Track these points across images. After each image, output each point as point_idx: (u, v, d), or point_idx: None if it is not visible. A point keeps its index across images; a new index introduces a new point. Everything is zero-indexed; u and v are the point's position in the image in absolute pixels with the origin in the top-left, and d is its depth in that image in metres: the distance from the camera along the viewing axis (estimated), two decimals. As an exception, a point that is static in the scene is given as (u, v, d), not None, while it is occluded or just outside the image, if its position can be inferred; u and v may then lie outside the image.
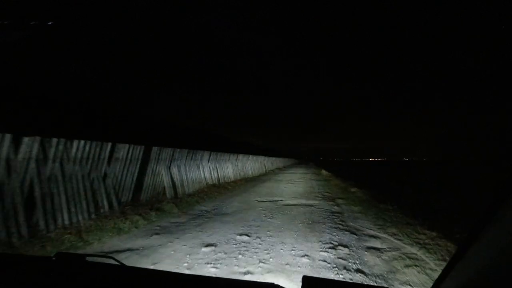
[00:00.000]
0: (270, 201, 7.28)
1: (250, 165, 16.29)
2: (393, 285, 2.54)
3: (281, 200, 7.35)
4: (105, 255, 1.07)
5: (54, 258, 0.84)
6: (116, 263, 0.85)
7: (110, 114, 5.08)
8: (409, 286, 2.55)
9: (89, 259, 0.84)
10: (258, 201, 7.29)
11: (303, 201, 7.19)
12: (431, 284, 0.68)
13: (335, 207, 6.46)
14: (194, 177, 8.33)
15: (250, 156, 16.51)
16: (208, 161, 9.86)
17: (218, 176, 10.53)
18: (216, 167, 10.51)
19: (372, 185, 10.96)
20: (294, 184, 11.58)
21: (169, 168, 7.08)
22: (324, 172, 18.66)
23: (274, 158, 25.83)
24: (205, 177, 9.23)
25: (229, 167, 12.18)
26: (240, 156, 14.03)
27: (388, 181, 14.85)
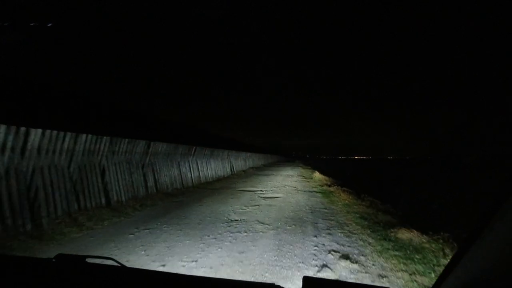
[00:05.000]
0: None
1: (204, 164, 10.51)
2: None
3: None
4: (106, 256, 0.92)
5: (54, 260, 0.82)
6: (117, 264, 0.84)
7: None
8: None
9: (89, 260, 0.82)
10: None
11: None
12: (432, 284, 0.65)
13: None
14: None
15: (208, 149, 10.74)
16: (63, 152, 3.95)
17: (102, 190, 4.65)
18: (105, 165, 4.62)
19: (403, 203, 6.35)
20: (264, 208, 5.87)
21: None
22: (317, 175, 13.01)
23: (250, 154, 20.13)
24: None
25: (165, 170, 6.33)
26: (180, 149, 8.18)
27: (414, 193, 9.72)
